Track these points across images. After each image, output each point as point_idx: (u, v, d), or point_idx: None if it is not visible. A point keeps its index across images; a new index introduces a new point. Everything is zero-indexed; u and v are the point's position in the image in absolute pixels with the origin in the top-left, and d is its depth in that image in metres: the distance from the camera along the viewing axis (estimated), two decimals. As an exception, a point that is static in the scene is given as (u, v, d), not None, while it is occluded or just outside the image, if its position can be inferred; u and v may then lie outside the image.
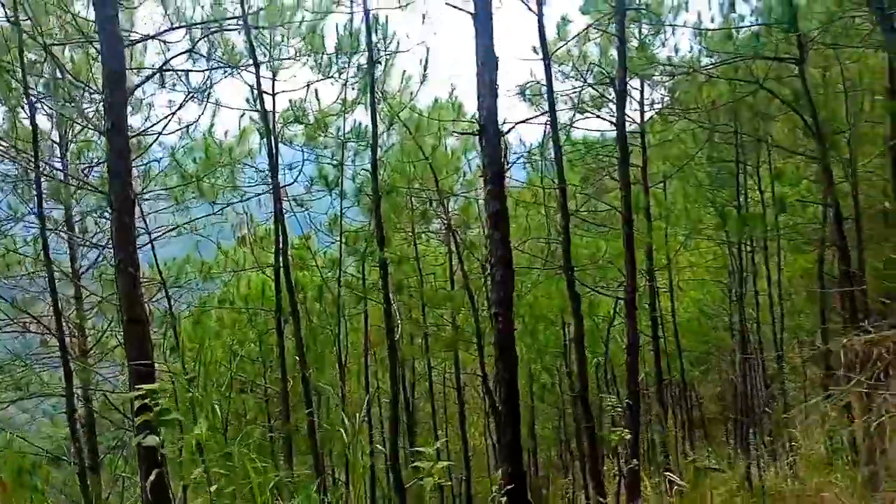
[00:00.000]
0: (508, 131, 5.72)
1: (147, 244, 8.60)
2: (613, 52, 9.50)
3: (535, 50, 8.59)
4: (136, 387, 3.30)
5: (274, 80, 9.11)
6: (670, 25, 9.59)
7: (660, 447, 12.31)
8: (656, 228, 11.46)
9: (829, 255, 15.12)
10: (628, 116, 10.62)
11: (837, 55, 9.60)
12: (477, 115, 5.24)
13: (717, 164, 12.43)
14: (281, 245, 8.99)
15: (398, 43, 8.93)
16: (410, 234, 11.82)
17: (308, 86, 9.37)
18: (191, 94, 8.05)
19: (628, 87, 9.72)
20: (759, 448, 14.86)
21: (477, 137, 5.28)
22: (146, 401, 3.16)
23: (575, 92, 9.07)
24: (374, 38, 8.74)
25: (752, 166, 13.29)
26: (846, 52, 10.04)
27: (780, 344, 15.38)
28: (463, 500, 15.02)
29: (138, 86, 7.55)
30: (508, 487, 4.61)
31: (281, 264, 9.01)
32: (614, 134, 10.86)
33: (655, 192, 12.66)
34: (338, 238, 10.49)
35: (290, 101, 9.40)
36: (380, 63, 8.89)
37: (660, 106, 10.82)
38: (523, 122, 6.06)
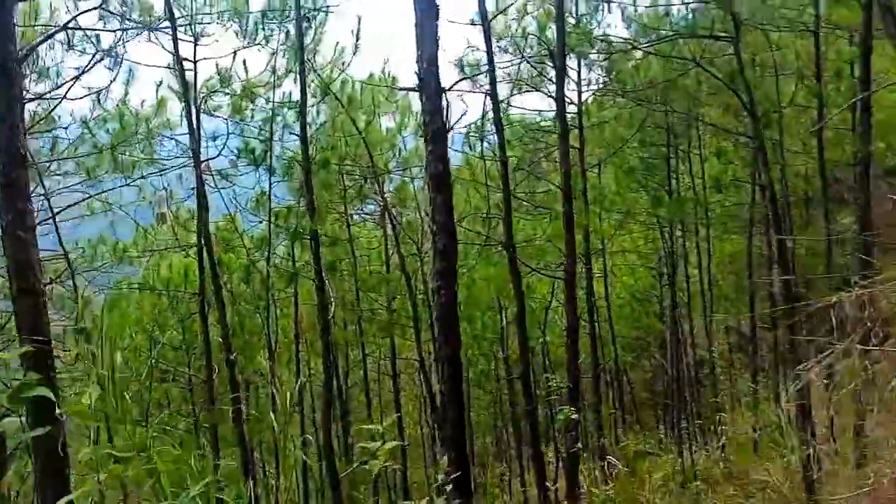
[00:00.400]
0: (451, 87, 5.32)
1: (49, 219, 7.81)
2: (552, 28, 9.20)
3: (472, 22, 8.23)
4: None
5: (196, 45, 8.41)
6: (606, 1, 9.37)
7: (595, 432, 12.18)
8: (591, 213, 11.29)
9: (757, 240, 15.44)
10: (566, 98, 10.37)
11: (767, 36, 9.62)
12: (417, 69, 4.80)
13: (649, 148, 12.37)
14: (204, 223, 8.32)
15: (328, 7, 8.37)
16: (343, 214, 11.28)
17: (234, 53, 8.73)
18: (99, 55, 7.30)
19: (567, 65, 9.43)
20: (690, 432, 15.01)
21: (417, 96, 4.83)
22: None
23: (514, 65, 8.72)
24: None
25: (684, 150, 13.31)
26: (775, 37, 10.11)
27: (708, 329, 15.56)
28: (399, 492, 14.60)
29: (39, 43, 6.78)
30: (455, 475, 4.18)
31: (203, 244, 8.35)
32: (552, 115, 10.63)
33: (590, 177, 12.51)
34: (266, 217, 9.86)
35: (217, 65, 8.72)
36: (310, 25, 8.32)
37: (596, 87, 10.61)
38: (462, 79, 5.62)
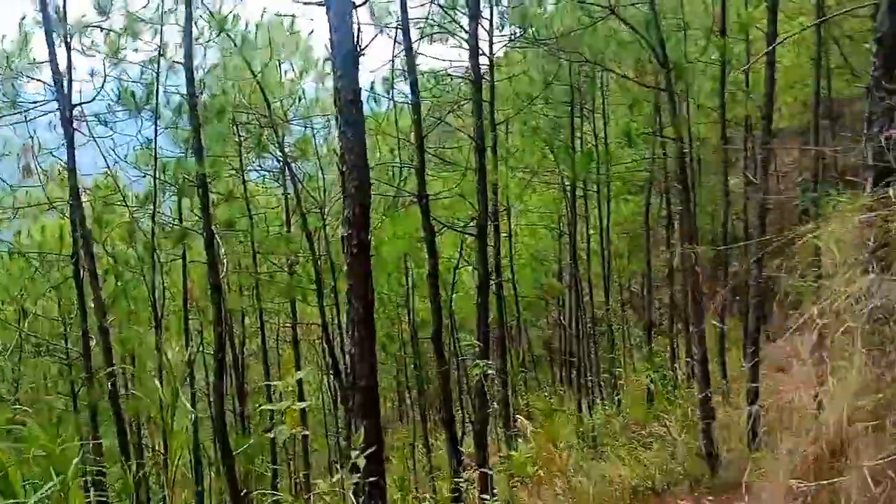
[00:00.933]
0: (364, 2, 4.66)
1: None
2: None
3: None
4: None
5: (65, -28, 7.27)
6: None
7: (502, 391, 12.01)
8: (499, 170, 10.92)
9: (655, 199, 15.70)
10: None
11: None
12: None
13: (556, 106, 12.11)
14: (74, 176, 7.27)
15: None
16: (239, 170, 10.35)
17: (112, -17, 7.60)
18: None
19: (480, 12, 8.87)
20: (590, 388, 15.22)
21: (324, 47, 4.13)
22: None
23: (423, 5, 8.05)
24: None
25: (588, 110, 13.16)
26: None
27: (607, 288, 15.72)
28: (299, 461, 13.97)
29: None
30: (370, 450, 3.64)
31: (74, 201, 7.31)
32: (462, 68, 10.10)
33: (498, 134, 12.13)
34: (150, 171, 8.81)
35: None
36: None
37: (509, 38, 10.12)
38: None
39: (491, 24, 9.67)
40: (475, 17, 7.89)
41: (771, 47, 8.20)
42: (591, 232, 15.62)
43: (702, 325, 9.27)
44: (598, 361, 15.54)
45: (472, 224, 8.04)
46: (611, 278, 16.34)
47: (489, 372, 5.97)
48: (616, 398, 14.02)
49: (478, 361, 6.35)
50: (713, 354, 15.56)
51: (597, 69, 11.21)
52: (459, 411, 13.42)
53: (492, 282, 10.95)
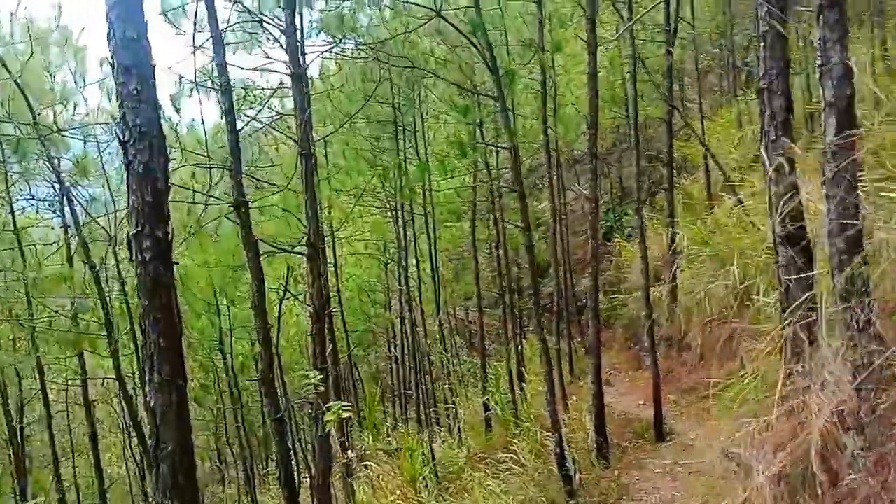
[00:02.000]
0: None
1: None
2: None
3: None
4: None
5: None
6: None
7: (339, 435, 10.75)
8: (321, 192, 9.84)
9: (481, 223, 15.37)
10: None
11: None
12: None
13: (380, 126, 11.30)
14: None
15: None
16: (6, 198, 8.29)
17: None
18: None
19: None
20: (429, 421, 14.34)
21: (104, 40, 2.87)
22: None
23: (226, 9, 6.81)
24: None
25: (410, 130, 12.49)
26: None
27: (440, 314, 15.05)
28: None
29: None
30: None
31: None
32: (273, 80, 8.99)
33: (318, 154, 11.06)
34: None
35: None
36: None
37: (324, 45, 9.13)
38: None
39: (301, 33, 8.64)
40: (292, 19, 6.82)
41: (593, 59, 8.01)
42: (420, 258, 14.92)
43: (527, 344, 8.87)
44: (433, 393, 14.76)
45: (300, 245, 6.85)
46: (441, 305, 15.75)
47: (345, 415, 4.82)
48: (457, 429, 13.30)
49: (329, 405, 5.18)
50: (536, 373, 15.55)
51: (417, 88, 10.57)
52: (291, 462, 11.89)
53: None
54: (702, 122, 13.92)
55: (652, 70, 12.12)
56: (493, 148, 8.78)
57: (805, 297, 3.49)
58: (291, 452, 13.22)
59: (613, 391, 12.77)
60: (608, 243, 21.12)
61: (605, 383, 13.94)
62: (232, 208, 5.08)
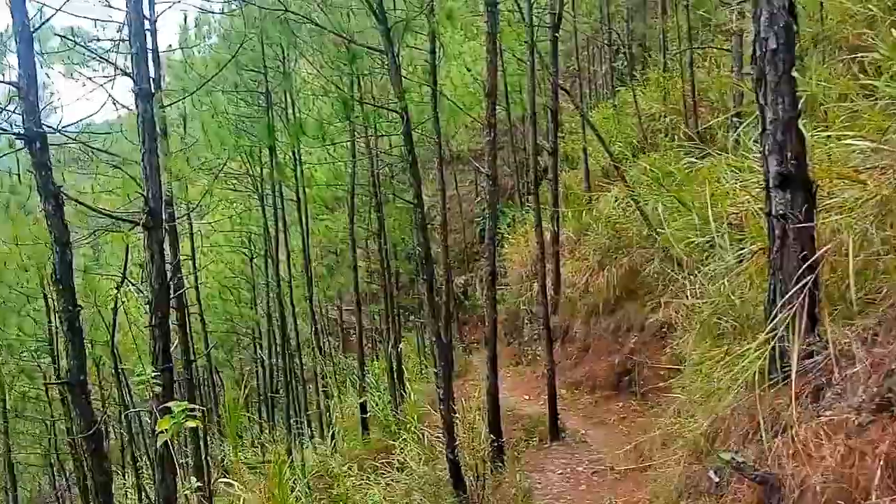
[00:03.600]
0: None
1: None
2: None
3: None
4: None
5: None
6: None
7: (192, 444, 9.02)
8: (172, 168, 8.16)
9: (361, 213, 14.01)
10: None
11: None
12: None
13: (245, 95, 9.72)
14: None
15: None
16: None
17: None
18: None
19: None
20: (300, 426, 12.82)
21: None
22: None
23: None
24: None
25: (281, 107, 10.95)
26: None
27: (313, 311, 13.54)
28: None
29: None
30: None
31: None
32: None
33: (174, 127, 9.33)
34: None
35: None
36: None
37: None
38: None
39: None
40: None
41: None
42: (291, 252, 13.34)
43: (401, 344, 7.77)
44: (305, 396, 13.24)
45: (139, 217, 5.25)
46: (314, 303, 14.22)
47: (190, 424, 3.43)
48: (331, 433, 11.89)
49: (166, 405, 3.74)
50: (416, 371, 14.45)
51: (290, 55, 9.14)
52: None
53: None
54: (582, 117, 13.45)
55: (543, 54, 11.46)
56: (380, 112, 7.56)
57: (804, 254, 2.55)
58: (133, 468, 11.27)
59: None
60: (483, 242, 20.60)
61: (488, 379, 13.15)
62: (22, 143, 3.51)
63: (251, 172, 10.64)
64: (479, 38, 16.33)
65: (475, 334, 18.28)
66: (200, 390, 15.52)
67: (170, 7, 7.75)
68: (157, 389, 4.53)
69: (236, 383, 20.00)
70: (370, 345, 16.92)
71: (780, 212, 2.69)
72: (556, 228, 11.27)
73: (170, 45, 8.72)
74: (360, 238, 14.59)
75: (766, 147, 2.70)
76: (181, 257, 11.87)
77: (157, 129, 4.91)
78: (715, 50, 11.31)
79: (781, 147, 2.65)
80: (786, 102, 2.61)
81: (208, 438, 14.93)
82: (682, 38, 11.68)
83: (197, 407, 3.90)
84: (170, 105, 8.07)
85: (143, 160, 4.71)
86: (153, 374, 4.22)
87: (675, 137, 11.43)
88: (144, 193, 4.70)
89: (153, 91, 4.85)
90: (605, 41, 15.19)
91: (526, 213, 15.11)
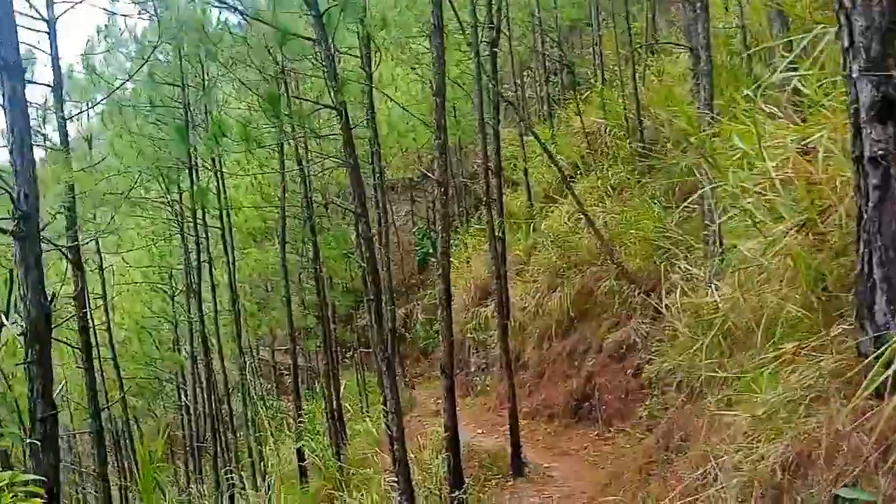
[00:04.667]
0: None
1: None
2: None
3: None
4: None
5: None
6: None
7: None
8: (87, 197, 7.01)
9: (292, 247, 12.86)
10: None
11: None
12: None
13: (160, 111, 8.60)
14: None
15: None
16: None
17: None
18: None
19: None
20: (230, 477, 11.37)
21: None
22: None
23: None
24: None
25: (203, 127, 9.84)
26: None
27: (241, 350, 12.22)
28: None
29: None
30: None
31: None
32: None
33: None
34: None
35: None
36: None
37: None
38: None
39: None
40: None
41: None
42: (217, 286, 12.03)
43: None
44: (235, 445, 11.83)
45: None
46: (242, 343, 12.88)
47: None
48: (266, 485, 10.53)
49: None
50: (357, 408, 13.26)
51: (208, 61, 8.14)
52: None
53: (78, 367, 6.85)
54: (528, 128, 12.92)
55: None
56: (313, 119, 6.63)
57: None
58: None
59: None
60: (423, 271, 19.70)
61: (435, 413, 12.09)
62: None
63: (168, 199, 9.45)
64: (409, 64, 15.75)
65: (417, 368, 17.23)
66: (120, 443, 13.82)
67: (72, 7, 6.64)
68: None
69: (160, 433, 18.17)
70: (307, 385, 15.60)
71: (878, 152, 1.94)
72: (502, 250, 10.49)
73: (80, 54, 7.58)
74: (294, 271, 13.44)
75: (855, 67, 1.97)
76: (91, 295, 10.45)
77: (29, 113, 3.84)
78: (663, 58, 10.99)
79: (877, 64, 1.92)
80: (884, 2, 1.89)
81: (129, 497, 13.21)
82: (624, 47, 11.33)
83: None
84: (72, 118, 6.90)
85: (11, 152, 3.62)
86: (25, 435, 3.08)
87: (618, 154, 11.01)
88: (13, 194, 3.60)
89: (24, 67, 3.79)
90: (540, 64, 14.83)
91: (469, 237, 14.37)
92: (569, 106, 13.24)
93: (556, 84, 15.27)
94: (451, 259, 6.27)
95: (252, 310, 14.26)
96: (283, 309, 11.19)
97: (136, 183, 8.31)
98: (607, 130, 11.41)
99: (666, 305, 6.49)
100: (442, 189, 5.93)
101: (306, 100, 6.32)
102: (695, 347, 3.52)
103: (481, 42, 7.65)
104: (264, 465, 10.89)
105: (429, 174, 19.67)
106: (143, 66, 7.13)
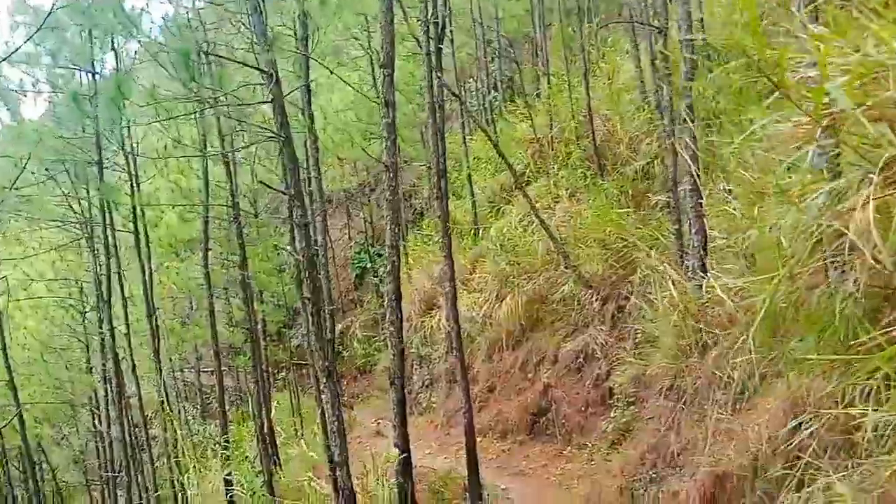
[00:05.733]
0: None
1: None
2: None
3: None
4: None
5: None
6: None
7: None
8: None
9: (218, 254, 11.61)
10: None
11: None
12: None
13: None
14: None
15: None
16: None
17: None
18: None
19: None
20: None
21: None
22: None
23: None
24: None
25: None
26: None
27: (160, 369, 10.85)
28: None
29: None
30: None
31: None
32: None
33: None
34: None
35: None
36: None
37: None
38: None
39: None
40: None
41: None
42: (132, 299, 10.69)
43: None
44: (154, 474, 10.41)
45: None
46: (162, 362, 11.48)
47: None
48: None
49: None
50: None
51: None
52: None
53: None
54: (464, 141, 12.26)
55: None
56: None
57: None
58: None
59: (389, 442, 9.91)
60: (359, 287, 18.65)
61: (377, 434, 11.04)
62: None
63: (72, 200, 8.19)
64: (349, 68, 14.87)
65: (354, 387, 16.12)
66: (25, 472, 12.07)
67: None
68: None
69: (74, 463, 16.26)
70: (236, 407, 14.22)
71: None
72: (448, 259, 9.65)
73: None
74: (220, 284, 12.19)
75: None
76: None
77: None
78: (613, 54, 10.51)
79: None
80: None
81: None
82: (572, 49, 10.82)
83: None
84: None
85: None
86: None
87: (568, 158, 10.44)
88: None
89: None
90: (483, 72, 14.26)
91: (412, 248, 13.52)
92: (515, 112, 12.65)
93: (497, 96, 14.73)
94: (396, 265, 5.39)
95: (173, 326, 12.88)
96: (207, 323, 9.97)
97: (33, 176, 7.04)
98: (555, 135, 10.83)
99: (648, 302, 5.84)
100: (391, 173, 5.06)
101: (229, 59, 5.33)
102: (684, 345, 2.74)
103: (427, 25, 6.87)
104: (185, 497, 9.57)
105: (367, 184, 18.75)
106: (38, 29, 5.95)
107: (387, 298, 5.14)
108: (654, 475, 4.47)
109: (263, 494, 8.26)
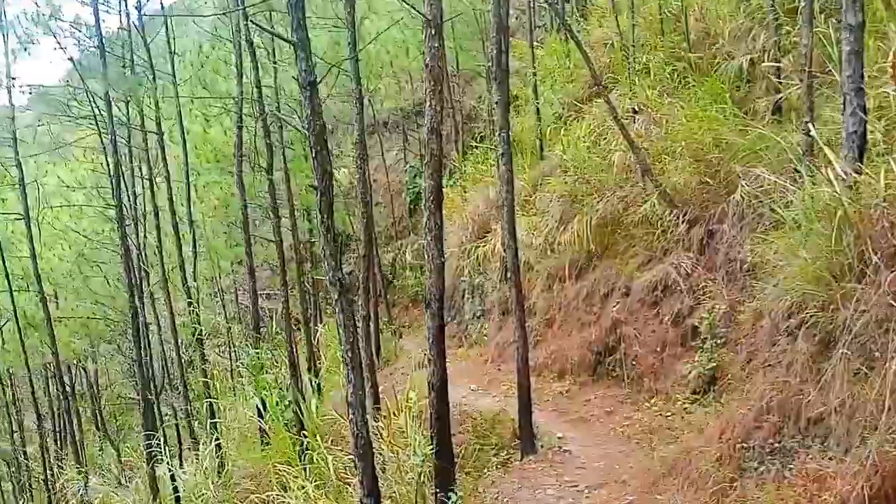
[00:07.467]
0: None
1: None
2: None
3: None
4: None
5: None
6: None
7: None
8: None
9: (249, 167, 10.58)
10: None
11: None
12: None
13: None
14: None
15: None
16: None
17: None
18: None
19: None
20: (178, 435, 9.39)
21: None
22: None
23: None
24: None
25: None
26: None
27: (187, 286, 10.12)
28: None
29: None
30: None
31: None
32: None
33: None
34: None
35: None
36: None
37: None
38: None
39: None
40: None
41: None
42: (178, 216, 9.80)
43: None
44: (188, 398, 9.78)
45: None
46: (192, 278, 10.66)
47: None
48: (215, 443, 8.52)
49: None
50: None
51: None
52: None
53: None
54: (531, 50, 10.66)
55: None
56: None
57: None
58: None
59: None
60: (414, 213, 17.53)
61: (422, 366, 10.05)
62: None
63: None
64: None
65: (405, 317, 15.20)
66: (57, 389, 11.81)
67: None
68: None
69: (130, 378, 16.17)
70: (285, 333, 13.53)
71: None
72: (509, 172, 8.18)
73: None
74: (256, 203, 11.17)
75: None
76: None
77: None
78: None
79: None
80: None
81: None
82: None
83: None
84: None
85: None
86: None
87: (651, 60, 8.75)
88: None
89: None
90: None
91: (470, 168, 12.20)
92: (593, 13, 10.90)
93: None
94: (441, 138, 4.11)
95: (217, 244, 12.12)
96: (242, 239, 9.03)
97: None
98: (637, 37, 9.08)
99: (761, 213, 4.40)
100: (432, 80, 3.71)
101: None
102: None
103: None
104: (215, 422, 8.89)
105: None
106: None
107: (423, 197, 3.90)
108: (776, 445, 3.17)
109: (289, 425, 7.41)
